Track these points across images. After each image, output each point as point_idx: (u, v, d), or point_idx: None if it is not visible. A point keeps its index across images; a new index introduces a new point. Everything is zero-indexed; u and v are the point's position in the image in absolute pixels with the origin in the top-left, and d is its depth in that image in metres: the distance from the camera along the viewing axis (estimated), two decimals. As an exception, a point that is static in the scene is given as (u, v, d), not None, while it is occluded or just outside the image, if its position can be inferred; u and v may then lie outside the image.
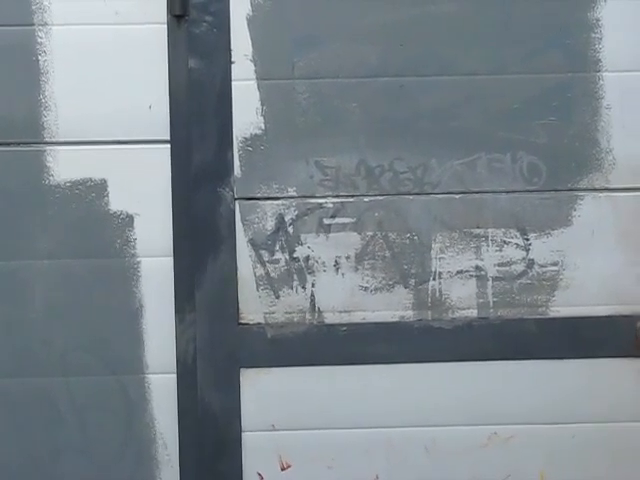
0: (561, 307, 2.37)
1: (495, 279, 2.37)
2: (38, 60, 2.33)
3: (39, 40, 2.33)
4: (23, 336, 2.37)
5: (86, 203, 2.36)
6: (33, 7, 2.33)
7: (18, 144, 2.35)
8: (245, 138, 2.35)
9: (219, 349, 2.36)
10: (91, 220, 2.36)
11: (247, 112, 2.34)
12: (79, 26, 2.34)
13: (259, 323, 2.37)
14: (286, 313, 2.38)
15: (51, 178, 2.35)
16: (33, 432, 2.38)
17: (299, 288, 2.37)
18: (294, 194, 2.36)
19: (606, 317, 2.36)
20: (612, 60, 2.35)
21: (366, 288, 2.37)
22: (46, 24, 2.33)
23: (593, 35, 2.35)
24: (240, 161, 2.35)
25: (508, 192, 2.36)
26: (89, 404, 2.38)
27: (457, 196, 2.36)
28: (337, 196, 2.36)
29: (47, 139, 2.35)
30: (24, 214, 2.36)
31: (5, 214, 2.36)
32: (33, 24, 2.33)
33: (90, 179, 2.35)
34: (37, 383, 2.38)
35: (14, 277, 2.37)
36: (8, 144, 2.35)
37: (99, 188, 2.35)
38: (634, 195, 2.36)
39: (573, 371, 2.37)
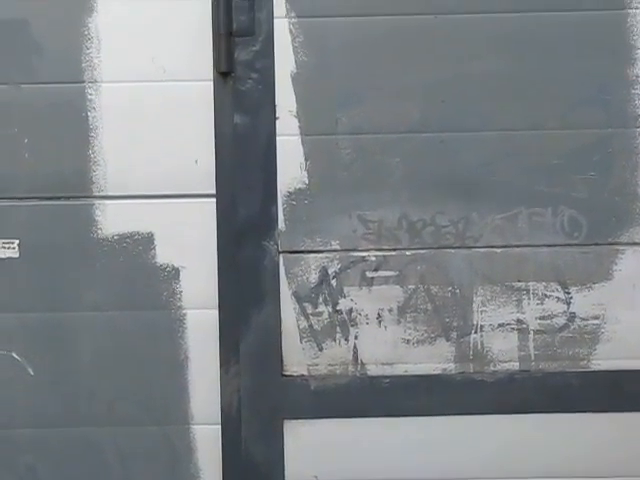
0: (602, 360, 2.39)
1: (536, 332, 2.40)
2: (87, 116, 2.39)
3: (89, 97, 2.39)
4: (70, 386, 2.41)
5: (133, 256, 2.40)
6: (83, 65, 2.39)
7: (67, 198, 2.40)
8: (289, 192, 2.39)
9: (263, 400, 2.39)
10: (138, 273, 2.40)
11: (291, 167, 2.39)
12: (127, 83, 2.39)
13: (302, 375, 2.40)
14: (329, 365, 2.40)
15: (99, 231, 2.40)
16: (80, 482, 2.42)
17: (342, 340, 2.40)
18: (337, 247, 2.39)
19: (647, 370, 2.38)
20: (652, 116, 2.38)
21: (408, 341, 2.40)
22: (96, 81, 2.39)
23: (633, 91, 2.38)
24: (284, 215, 2.39)
25: (549, 246, 2.39)
26: (135, 454, 2.41)
27: (498, 250, 2.39)
28: (380, 249, 2.40)
29: (96, 193, 2.40)
30: (72, 266, 2.40)
31: (54, 266, 2.40)
32: (83, 81, 2.39)
33: (137, 232, 2.40)
34: (83, 433, 2.42)
35: (62, 328, 2.41)
36: (58, 198, 2.40)
37: (146, 241, 2.40)
38: (674, 249, 2.39)
39: (614, 424, 2.38)
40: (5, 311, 2.40)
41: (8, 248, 2.39)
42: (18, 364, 2.41)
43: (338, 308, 2.40)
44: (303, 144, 2.39)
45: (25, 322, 2.40)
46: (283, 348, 2.40)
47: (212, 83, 2.38)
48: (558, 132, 2.38)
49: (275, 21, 2.37)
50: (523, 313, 2.40)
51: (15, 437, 2.42)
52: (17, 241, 2.39)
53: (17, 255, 2.39)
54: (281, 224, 2.39)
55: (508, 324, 2.40)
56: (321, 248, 2.40)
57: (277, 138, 2.38)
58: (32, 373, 2.41)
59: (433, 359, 2.40)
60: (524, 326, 2.40)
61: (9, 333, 2.40)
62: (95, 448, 2.42)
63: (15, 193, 2.40)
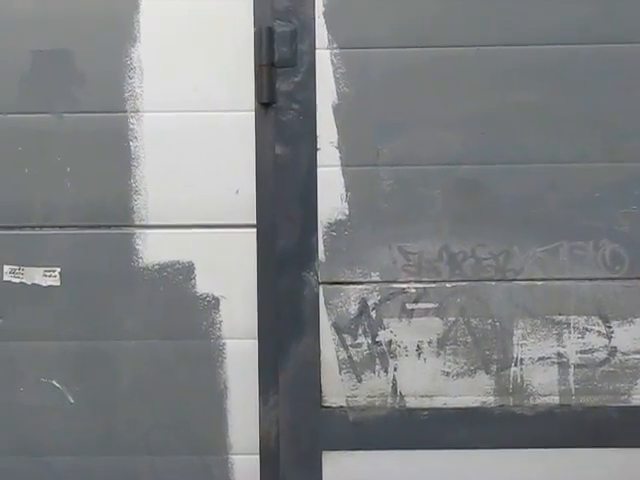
0: (643, 395, 2.38)
1: (577, 366, 2.39)
2: (129, 145, 2.40)
3: (131, 126, 2.40)
4: (109, 415, 2.42)
5: (173, 285, 2.41)
6: (126, 94, 2.40)
7: (109, 227, 2.41)
8: (330, 223, 2.39)
9: (302, 431, 2.39)
10: (178, 302, 2.41)
11: (332, 198, 2.39)
12: (170, 113, 2.40)
13: (341, 406, 2.40)
14: (368, 397, 2.40)
15: (140, 260, 2.41)
16: (118, 511, 2.43)
17: (381, 372, 2.40)
18: (377, 279, 2.39)
19: (689, 406, 2.37)
20: (695, 149, 2.37)
21: (448, 373, 2.40)
22: (138, 111, 2.40)
23: (677, 125, 2.37)
24: (324, 246, 2.39)
25: (590, 279, 2.38)
26: (173, 484, 2.42)
27: (539, 283, 2.38)
28: (420, 281, 2.39)
29: (137, 222, 2.41)
30: (113, 295, 2.42)
31: (95, 295, 2.42)
32: (126, 111, 2.40)
33: (178, 262, 2.40)
34: (122, 462, 2.43)
35: (102, 357, 2.42)
36: (99, 227, 2.41)
37: (186, 271, 2.40)
38: None
39: (655, 460, 2.37)
40: (46, 339, 2.42)
41: (49, 276, 2.40)
42: (58, 392, 2.42)
43: (377, 340, 2.40)
44: (344, 175, 2.39)
45: (65, 350, 2.42)
46: (322, 379, 2.40)
47: (254, 113, 2.39)
48: (600, 165, 2.37)
49: (317, 52, 2.37)
50: (564, 347, 2.39)
51: (55, 464, 2.43)
52: (58, 269, 2.41)
53: (58, 283, 2.41)
54: (321, 255, 2.39)
55: (548, 357, 2.39)
56: (361, 279, 2.40)
57: (318, 169, 2.38)
58: (72, 401, 2.42)
59: (472, 392, 2.39)
60: (564, 360, 2.39)
61: (50, 361, 2.42)
62: (134, 476, 2.43)
63: (57, 221, 2.41)
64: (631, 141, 2.37)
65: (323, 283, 2.39)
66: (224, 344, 2.41)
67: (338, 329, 2.40)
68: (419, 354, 2.40)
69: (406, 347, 2.40)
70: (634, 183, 2.37)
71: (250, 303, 2.40)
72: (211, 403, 2.41)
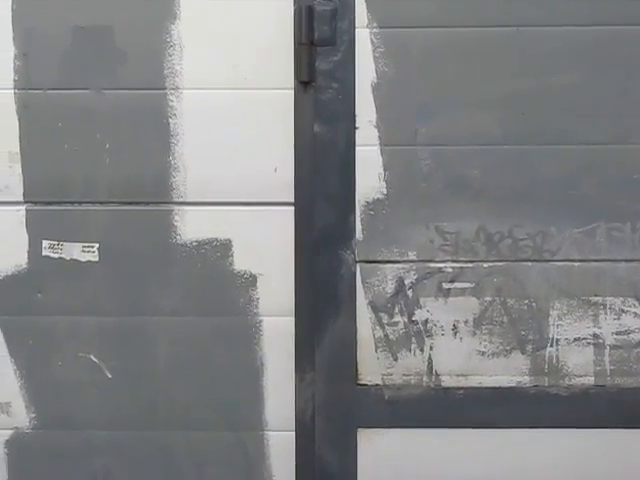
0: (679, 377, 2.39)
1: (613, 347, 2.39)
2: (169, 123, 2.41)
3: (170, 103, 2.41)
4: (146, 390, 2.45)
5: (211, 262, 2.42)
6: (165, 72, 2.40)
7: (147, 203, 2.42)
8: (367, 202, 2.40)
9: (337, 408, 2.40)
10: (215, 279, 2.42)
11: (370, 177, 2.39)
12: (209, 90, 2.41)
13: (377, 384, 2.41)
14: (404, 375, 2.42)
15: (178, 237, 2.42)
16: (155, 485, 2.45)
17: (417, 351, 2.41)
18: (414, 258, 2.40)
19: None
20: None
21: (483, 353, 2.41)
22: (177, 88, 2.41)
23: None
24: (362, 224, 2.40)
25: (627, 261, 2.38)
26: (209, 459, 2.45)
27: (576, 264, 2.39)
28: (456, 261, 2.40)
29: (175, 199, 2.42)
30: (151, 271, 2.43)
31: (132, 271, 2.43)
32: (165, 88, 2.40)
33: (216, 239, 2.42)
34: (159, 437, 2.45)
35: (139, 332, 2.44)
36: (138, 203, 2.42)
37: (224, 248, 2.42)
38: None
39: (689, 441, 2.38)
40: (84, 314, 2.43)
41: (88, 252, 2.42)
42: (96, 367, 2.44)
43: (414, 319, 2.41)
44: (382, 154, 2.39)
45: (103, 325, 2.44)
46: (358, 357, 2.41)
47: (293, 92, 2.39)
48: (639, 147, 2.37)
49: (357, 31, 2.37)
50: (599, 328, 2.39)
51: (91, 438, 2.46)
52: (97, 245, 2.42)
53: (97, 259, 2.42)
54: (359, 234, 2.40)
55: (584, 338, 2.40)
56: (398, 258, 2.40)
57: (356, 148, 2.39)
58: (110, 376, 2.44)
59: (508, 372, 2.41)
60: (600, 341, 2.40)
61: (88, 336, 2.44)
62: (170, 452, 2.45)
63: (96, 197, 2.42)
64: (670, 123, 2.37)
65: (360, 262, 2.40)
66: (261, 321, 2.42)
67: (375, 308, 2.41)
68: (455, 333, 2.41)
69: (442, 326, 2.41)
70: (673, 165, 2.37)
71: (287, 281, 2.41)
72: (247, 380, 2.43)
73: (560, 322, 2.39)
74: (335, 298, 2.40)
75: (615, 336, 2.39)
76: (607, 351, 2.40)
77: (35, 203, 2.43)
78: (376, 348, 2.41)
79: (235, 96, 2.41)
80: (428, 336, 2.41)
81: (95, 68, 2.40)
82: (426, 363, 2.41)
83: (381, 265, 2.41)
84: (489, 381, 2.41)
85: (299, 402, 2.42)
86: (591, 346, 2.40)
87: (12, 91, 2.40)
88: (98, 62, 2.40)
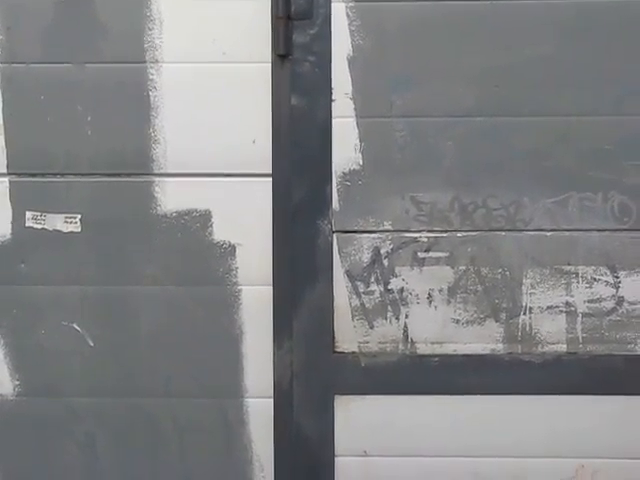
0: (650, 344, 2.43)
1: (585, 315, 2.43)
2: (149, 96, 2.45)
3: (150, 77, 2.45)
4: (128, 358, 2.49)
5: (191, 233, 2.47)
6: (145, 45, 2.45)
7: (128, 175, 2.47)
8: (344, 173, 2.44)
9: (315, 376, 2.45)
10: (195, 249, 2.47)
11: (346, 148, 2.44)
12: (188, 64, 2.45)
13: (353, 352, 2.46)
14: (380, 343, 2.46)
15: (158, 208, 2.46)
16: (136, 451, 2.49)
17: (393, 319, 2.46)
18: (390, 228, 2.44)
19: (694, 355, 2.41)
20: None
21: (458, 321, 2.45)
22: (157, 61, 2.45)
23: (687, 79, 2.40)
24: (338, 195, 2.44)
25: (599, 230, 2.42)
26: (190, 425, 2.49)
27: (548, 233, 2.43)
28: (431, 231, 2.44)
29: (155, 171, 2.46)
30: (132, 242, 2.48)
31: (114, 241, 2.48)
32: (145, 61, 2.45)
33: (195, 210, 2.46)
34: (141, 404, 2.50)
35: (121, 302, 2.49)
36: (119, 175, 2.47)
37: (204, 218, 2.46)
38: None
39: (660, 407, 2.42)
40: (67, 284, 2.48)
41: (70, 223, 2.47)
42: (79, 335, 2.49)
43: (389, 287, 2.45)
44: (358, 126, 2.43)
45: (86, 295, 2.49)
46: (335, 325, 2.46)
47: (270, 65, 2.44)
48: (611, 118, 2.41)
49: (332, 5, 2.42)
50: (572, 296, 2.43)
51: (74, 405, 2.51)
52: (79, 216, 2.47)
53: (79, 230, 2.47)
54: (335, 204, 2.44)
55: (557, 306, 2.44)
56: (374, 228, 2.45)
57: (333, 120, 2.43)
58: (92, 344, 2.49)
59: (482, 339, 2.45)
60: (572, 309, 2.44)
61: (71, 305, 2.49)
62: (151, 419, 2.50)
63: (78, 169, 2.47)
64: (641, 95, 2.41)
65: (337, 232, 2.45)
66: (240, 290, 2.47)
67: (351, 277, 2.45)
68: (430, 302, 2.45)
69: (417, 295, 2.45)
70: (644, 136, 2.41)
71: (266, 250, 2.45)
72: (227, 348, 2.48)
73: (533, 290, 2.44)
74: (312, 267, 2.44)
75: (587, 304, 2.44)
76: (579, 319, 2.44)
77: (18, 175, 2.47)
78: (353, 316, 2.46)
79: (214, 70, 2.45)
80: (404, 304, 2.45)
81: (77, 42, 2.45)
82: (402, 331, 2.46)
83: (357, 235, 2.45)
84: (464, 349, 2.45)
85: (277, 370, 2.46)
86: (563, 314, 2.44)
87: (-5, 65, 2.45)
88: (80, 36, 2.45)
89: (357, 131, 2.44)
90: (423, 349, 2.46)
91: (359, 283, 2.46)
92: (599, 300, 2.43)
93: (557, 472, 2.45)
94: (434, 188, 2.43)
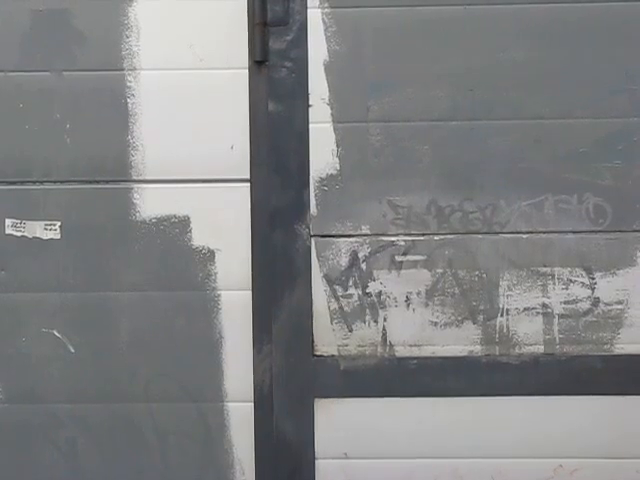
0: (625, 344, 2.45)
1: (561, 316, 2.46)
2: (127, 103, 2.47)
3: (128, 84, 2.47)
4: (108, 364, 2.50)
5: (170, 238, 2.48)
6: (123, 53, 2.47)
7: (107, 182, 2.48)
8: (321, 178, 2.46)
9: (294, 379, 2.47)
10: (174, 254, 2.49)
11: (323, 153, 2.46)
12: (166, 71, 2.47)
13: (333, 355, 2.48)
14: (359, 346, 2.48)
15: (137, 214, 2.48)
16: (117, 456, 2.51)
17: (371, 322, 2.48)
18: (367, 232, 2.46)
19: (669, 355, 2.44)
20: (677, 105, 2.43)
21: (436, 323, 2.47)
22: (135, 69, 2.47)
23: (659, 81, 2.43)
24: (316, 200, 2.46)
25: (574, 232, 2.44)
26: (170, 430, 2.51)
27: (524, 236, 2.45)
28: (408, 234, 2.46)
29: (134, 177, 2.48)
30: (111, 248, 2.49)
31: (93, 248, 2.49)
32: (123, 69, 2.47)
33: (174, 216, 2.48)
34: (121, 409, 2.51)
35: (101, 308, 2.50)
36: (98, 182, 2.49)
37: (183, 224, 2.48)
38: (698, 236, 2.44)
39: (637, 407, 2.44)
40: (47, 290, 2.49)
41: (50, 230, 2.48)
42: (59, 341, 2.50)
43: (368, 291, 2.47)
44: (335, 131, 2.45)
45: (66, 301, 2.50)
46: (314, 329, 2.47)
47: (247, 71, 2.46)
48: (585, 121, 2.43)
49: (309, 11, 2.44)
50: (548, 297, 2.46)
51: (55, 411, 2.52)
52: (59, 223, 2.48)
53: (59, 236, 2.48)
54: (313, 209, 2.46)
55: (533, 308, 2.46)
56: (352, 232, 2.47)
57: (310, 125, 2.45)
58: (72, 350, 2.51)
59: (460, 341, 2.47)
60: (549, 310, 2.46)
61: (51, 312, 2.50)
62: (132, 423, 2.51)
63: (57, 177, 2.49)
64: (614, 98, 2.43)
65: (315, 236, 2.47)
66: (219, 295, 2.49)
67: (329, 280, 2.47)
68: (408, 305, 2.47)
69: (395, 298, 2.47)
70: (617, 138, 2.43)
71: (244, 255, 2.47)
72: (207, 352, 2.49)
73: (510, 292, 2.46)
74: (291, 272, 2.46)
75: (563, 305, 2.46)
76: (556, 320, 2.46)
77: (-3, 183, 2.49)
78: (331, 320, 2.48)
79: (191, 76, 2.47)
80: (382, 308, 2.47)
81: (54, 50, 2.47)
82: (380, 334, 2.48)
83: (335, 239, 2.47)
84: (442, 351, 2.47)
85: (257, 374, 2.48)
86: (540, 315, 2.46)
87: (-26, 74, 2.46)
88: (57, 44, 2.47)
89: (334, 136, 2.46)
90: (402, 352, 2.48)
91: (337, 287, 2.47)
92: (575, 301, 2.46)
93: (536, 472, 2.47)
94: (411, 192, 2.46)
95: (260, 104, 2.46)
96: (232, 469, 2.51)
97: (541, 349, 2.46)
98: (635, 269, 2.44)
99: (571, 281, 2.45)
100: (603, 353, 2.45)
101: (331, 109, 2.45)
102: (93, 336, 2.50)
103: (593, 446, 2.46)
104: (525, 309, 2.46)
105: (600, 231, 2.44)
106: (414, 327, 2.47)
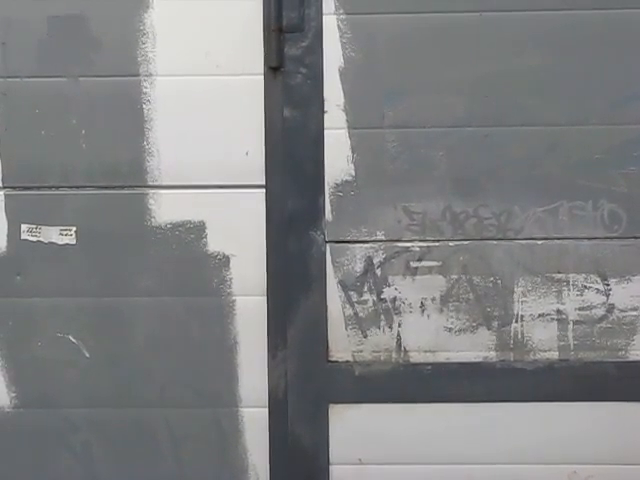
0: (640, 351, 2.45)
1: (576, 322, 2.46)
2: (143, 109, 2.48)
3: (144, 90, 2.48)
4: (123, 369, 2.51)
5: (185, 244, 2.49)
6: (139, 59, 2.47)
7: (122, 187, 2.49)
8: (336, 184, 2.47)
9: (309, 385, 2.47)
10: (190, 260, 2.49)
11: (338, 159, 2.46)
12: (181, 77, 2.48)
13: (347, 361, 2.48)
14: (373, 352, 2.48)
15: (153, 220, 2.49)
16: (132, 461, 2.51)
17: (386, 328, 2.48)
18: (382, 238, 2.47)
19: (684, 361, 2.44)
20: (692, 112, 2.43)
21: (450, 329, 2.47)
22: (151, 75, 2.47)
23: (674, 88, 2.43)
24: (331, 206, 2.47)
25: (589, 239, 2.45)
26: (186, 435, 2.51)
27: (539, 242, 2.45)
28: (423, 240, 2.47)
29: (150, 183, 2.49)
30: (127, 253, 2.50)
31: (109, 253, 2.50)
32: (139, 75, 2.47)
33: (190, 221, 2.48)
34: (136, 414, 2.52)
35: (116, 313, 2.51)
36: (113, 187, 2.49)
37: (198, 230, 2.48)
38: None
39: (651, 413, 2.45)
40: (62, 295, 2.50)
41: (66, 235, 2.49)
42: (74, 347, 2.51)
43: (382, 297, 2.48)
44: (350, 137, 2.46)
45: (81, 306, 2.50)
46: (329, 335, 2.48)
47: (263, 77, 2.46)
48: (600, 127, 2.44)
49: (324, 17, 2.44)
50: (563, 304, 2.46)
51: (71, 416, 2.53)
52: (74, 228, 2.49)
53: (74, 242, 2.49)
54: (328, 215, 2.46)
55: (548, 314, 2.46)
56: (367, 238, 2.47)
57: (325, 131, 2.46)
58: (87, 355, 2.51)
59: (474, 347, 2.47)
60: (564, 316, 2.46)
61: (66, 317, 2.51)
62: (147, 428, 2.52)
63: (73, 182, 2.49)
64: (630, 104, 2.43)
65: (330, 242, 2.47)
66: (234, 301, 2.49)
67: (344, 286, 2.48)
68: (423, 311, 2.47)
69: (410, 304, 2.47)
70: (632, 145, 2.44)
71: (259, 261, 2.47)
72: (222, 358, 2.50)
73: (524, 299, 2.46)
74: (306, 278, 2.46)
75: (578, 312, 2.46)
76: (570, 326, 2.46)
77: (14, 188, 2.49)
78: (346, 326, 2.48)
79: (207, 82, 2.48)
80: (396, 313, 2.48)
81: (71, 56, 2.48)
82: (395, 340, 2.48)
83: (350, 245, 2.47)
84: (456, 357, 2.47)
85: (272, 379, 2.49)
86: (555, 322, 2.46)
87: (-10, 79, 2.47)
88: (73, 50, 2.47)
89: (349, 142, 2.46)
90: (416, 357, 2.48)
91: (352, 293, 2.48)
92: (590, 307, 2.46)
93: (550, 478, 2.47)
94: (426, 198, 2.46)
95: (275, 110, 2.46)
96: (246, 474, 2.51)
97: (556, 355, 2.47)
98: (650, 275, 2.45)
99: (586, 287, 2.45)
100: (618, 359, 2.45)
101: (346, 115, 2.46)
102: (108, 341, 2.51)
103: (607, 452, 2.46)
104: (540, 315, 2.46)
105: (615, 237, 2.44)
106: (429, 333, 2.48)
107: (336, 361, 2.48)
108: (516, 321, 2.46)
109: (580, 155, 2.44)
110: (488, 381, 2.46)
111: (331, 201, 2.47)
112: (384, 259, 2.47)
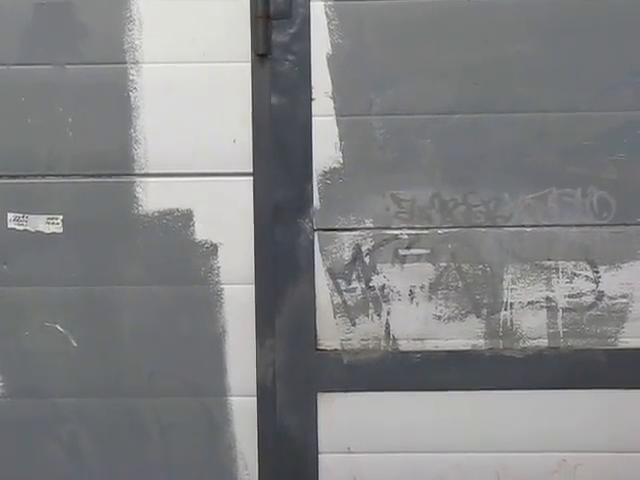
0: (630, 338, 2.44)
1: (565, 310, 2.45)
2: (129, 96, 2.46)
3: (131, 77, 2.46)
4: (111, 358, 2.50)
5: (173, 232, 2.48)
6: (125, 46, 2.46)
7: (109, 175, 2.48)
8: (324, 171, 2.45)
9: (297, 373, 2.46)
10: (177, 248, 2.48)
11: (326, 147, 2.45)
12: (168, 64, 2.46)
13: (336, 349, 2.47)
14: (362, 340, 2.47)
15: (140, 208, 2.47)
16: (120, 450, 2.50)
17: (374, 316, 2.47)
18: (371, 225, 2.46)
19: (674, 348, 2.43)
20: (682, 98, 2.42)
21: (439, 317, 2.46)
22: (137, 62, 2.46)
23: (663, 74, 2.42)
24: (319, 193, 2.45)
25: (578, 226, 2.44)
26: (174, 424, 2.50)
27: (528, 229, 2.44)
28: (412, 228, 2.45)
29: (137, 171, 2.47)
30: (114, 242, 2.49)
31: (96, 242, 2.49)
32: (125, 62, 2.46)
33: (177, 209, 2.47)
34: (124, 404, 2.51)
35: (104, 302, 2.50)
36: (100, 175, 2.48)
37: (185, 218, 2.47)
38: (702, 230, 2.43)
39: (641, 401, 2.44)
40: (49, 285, 2.49)
41: (52, 223, 2.48)
42: (62, 336, 2.50)
43: (371, 285, 2.46)
44: (338, 125, 2.45)
45: (68, 295, 2.49)
46: (317, 323, 2.47)
47: (250, 65, 2.45)
48: (589, 114, 2.42)
49: (311, 4, 2.43)
50: (552, 291, 2.45)
51: (58, 406, 2.51)
52: (61, 217, 2.48)
53: (61, 230, 2.48)
54: (316, 202, 2.45)
55: (537, 302, 2.45)
56: (355, 226, 2.46)
57: (313, 119, 2.44)
58: (75, 345, 2.50)
59: (463, 335, 2.46)
60: (553, 304, 2.45)
61: (53, 306, 2.49)
62: (135, 418, 2.51)
63: (59, 170, 2.48)
64: (619, 91, 2.42)
65: (318, 230, 2.46)
66: (222, 289, 2.48)
67: (333, 274, 2.46)
68: (411, 299, 2.46)
69: (399, 292, 2.46)
70: (621, 131, 2.42)
71: (247, 249, 2.46)
72: (210, 346, 2.49)
73: (514, 286, 2.45)
74: (294, 266, 2.45)
75: (567, 299, 2.45)
76: (560, 314, 2.45)
77: (0, 177, 2.48)
78: (335, 314, 2.47)
79: (194, 70, 2.46)
80: (385, 301, 2.47)
81: (57, 44, 2.46)
82: (383, 328, 2.47)
83: (338, 233, 2.46)
84: (445, 345, 2.46)
85: (260, 368, 2.47)
86: (544, 309, 2.45)
87: (-24, 67, 2.46)
88: (59, 38, 2.46)
89: (337, 129, 2.45)
90: (405, 345, 2.47)
91: (341, 281, 2.47)
92: (579, 295, 2.45)
93: (540, 466, 2.46)
94: (414, 185, 2.45)
95: (263, 97, 2.45)
96: (235, 463, 2.50)
97: (545, 343, 2.46)
98: (639, 262, 2.43)
99: (575, 275, 2.44)
100: (607, 347, 2.44)
101: (334, 102, 2.45)
102: (96, 330, 2.50)
103: (597, 440, 2.45)
104: (529, 303, 2.45)
105: (604, 224, 2.43)
106: (417, 321, 2.47)
107: (324, 349, 2.47)
108: (505, 309, 2.45)
109: (569, 142, 2.43)
110: (477, 369, 2.45)
111: (319, 189, 2.45)
112: (372, 247, 2.46)
